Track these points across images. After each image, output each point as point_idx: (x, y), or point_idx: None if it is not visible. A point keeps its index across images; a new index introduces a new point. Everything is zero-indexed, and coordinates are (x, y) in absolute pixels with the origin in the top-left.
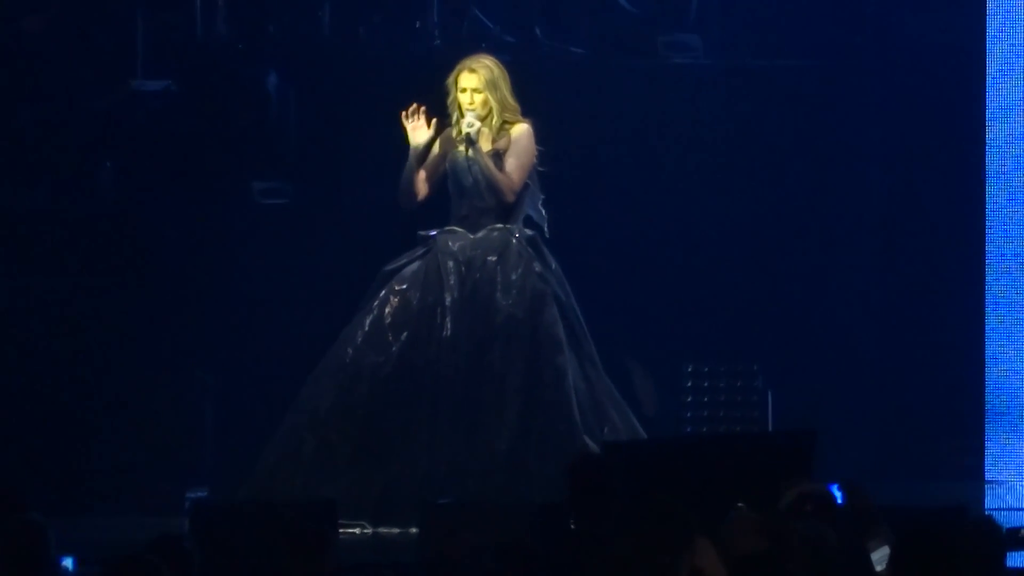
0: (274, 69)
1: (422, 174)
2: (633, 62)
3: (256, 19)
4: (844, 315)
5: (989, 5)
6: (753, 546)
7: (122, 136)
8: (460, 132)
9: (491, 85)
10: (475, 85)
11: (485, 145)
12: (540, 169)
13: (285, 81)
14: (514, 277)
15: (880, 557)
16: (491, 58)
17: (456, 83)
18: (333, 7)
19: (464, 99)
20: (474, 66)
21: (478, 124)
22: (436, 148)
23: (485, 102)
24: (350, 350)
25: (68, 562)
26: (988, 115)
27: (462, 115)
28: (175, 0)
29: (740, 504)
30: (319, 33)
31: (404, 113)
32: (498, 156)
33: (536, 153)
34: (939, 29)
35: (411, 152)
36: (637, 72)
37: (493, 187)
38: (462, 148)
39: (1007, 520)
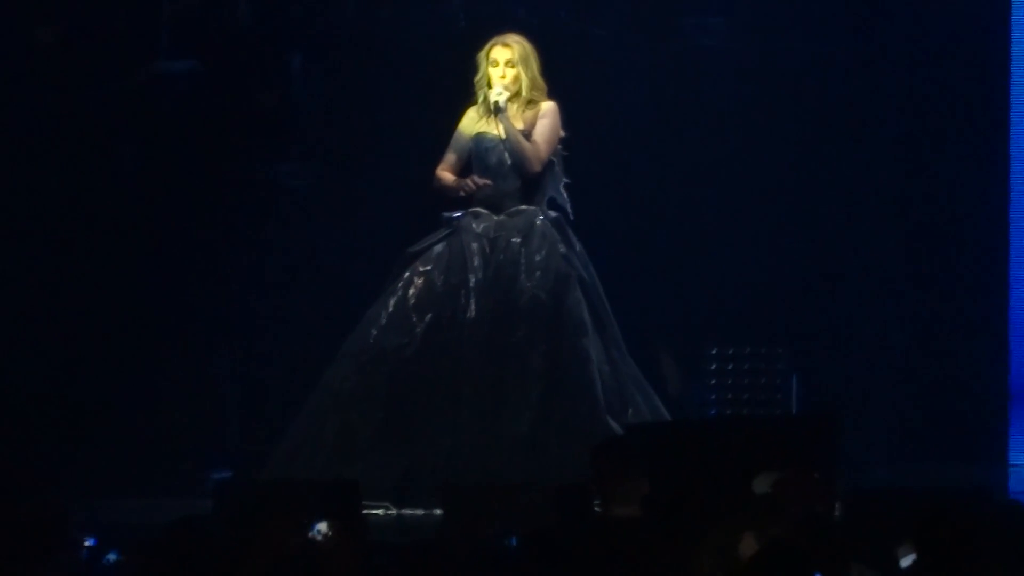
0: (298, 51)
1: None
2: (658, 44)
3: (280, 0)
4: (868, 298)
5: None
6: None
7: (146, 117)
8: (488, 105)
9: (523, 61)
10: (508, 58)
11: (513, 122)
12: (564, 154)
13: (309, 63)
14: (538, 259)
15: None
16: (523, 36)
17: (487, 56)
18: None
19: (495, 73)
20: (508, 41)
21: (507, 93)
22: (462, 133)
23: (517, 77)
24: (374, 331)
25: (91, 542)
26: (1013, 99)
27: (490, 87)
28: None
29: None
30: (343, 14)
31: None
32: (525, 135)
33: (561, 133)
34: (965, 15)
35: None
36: (662, 54)
37: (519, 155)
38: (488, 120)
39: None
